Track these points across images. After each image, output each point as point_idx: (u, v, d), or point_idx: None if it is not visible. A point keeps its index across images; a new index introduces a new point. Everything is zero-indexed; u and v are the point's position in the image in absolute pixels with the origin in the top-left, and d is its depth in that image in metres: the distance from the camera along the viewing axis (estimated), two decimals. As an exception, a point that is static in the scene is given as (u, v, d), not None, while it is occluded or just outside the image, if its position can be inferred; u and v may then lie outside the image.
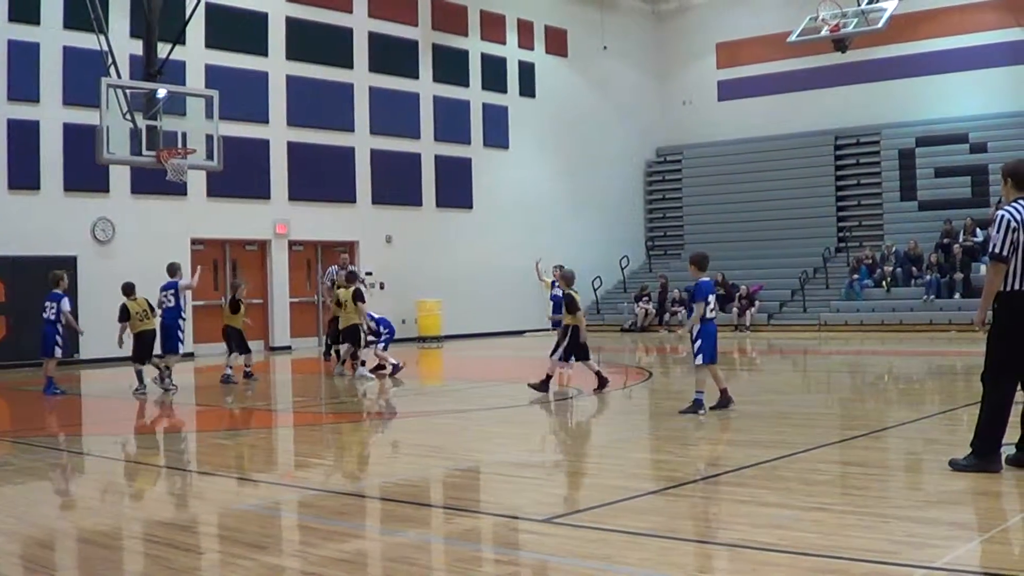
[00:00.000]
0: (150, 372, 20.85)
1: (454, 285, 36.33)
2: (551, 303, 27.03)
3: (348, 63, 35.55)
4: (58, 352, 20.77)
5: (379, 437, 15.00)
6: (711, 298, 14.70)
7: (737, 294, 37.80)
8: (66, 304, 20.62)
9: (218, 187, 30.84)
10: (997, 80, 38.76)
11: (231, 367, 22.23)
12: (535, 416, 16.67)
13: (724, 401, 14.71)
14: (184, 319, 21.90)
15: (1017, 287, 9.47)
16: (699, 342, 14.62)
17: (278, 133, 33.51)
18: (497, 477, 11.02)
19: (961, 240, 36.13)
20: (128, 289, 21.10)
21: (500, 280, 38.41)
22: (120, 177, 29.32)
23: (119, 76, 23.34)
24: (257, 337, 32.77)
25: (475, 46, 39.74)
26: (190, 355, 28.88)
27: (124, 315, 20.86)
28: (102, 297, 28.03)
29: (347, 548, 7.89)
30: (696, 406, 14.40)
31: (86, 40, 25.46)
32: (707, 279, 14.86)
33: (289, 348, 32.98)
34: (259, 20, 33.23)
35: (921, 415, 14.44)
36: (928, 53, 40.11)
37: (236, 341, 22.38)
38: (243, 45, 32.65)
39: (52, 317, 20.59)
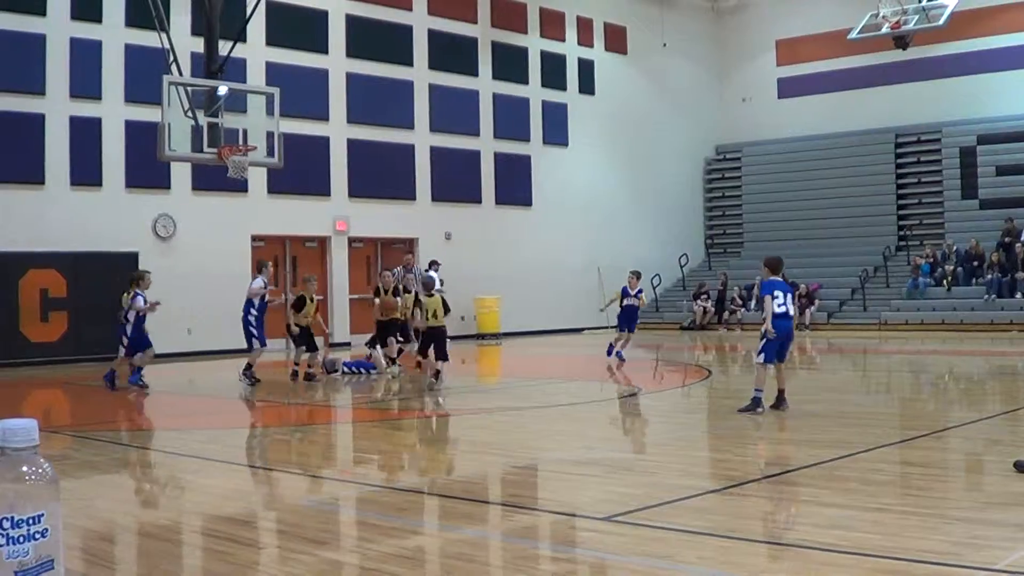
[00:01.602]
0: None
1: (513, 282, 36.34)
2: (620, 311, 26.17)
3: (408, 60, 35.65)
4: (121, 351, 20.64)
5: (438, 434, 15.03)
6: (778, 293, 14.58)
7: (796, 292, 37.55)
8: (139, 302, 20.34)
9: (278, 184, 31.00)
10: (1060, 77, 38.44)
11: (298, 364, 22.15)
12: (594, 414, 16.66)
13: (779, 402, 14.60)
14: (255, 315, 21.88)
15: None
16: (763, 341, 14.55)
17: (338, 130, 33.66)
18: (556, 474, 11.02)
19: (1022, 240, 35.83)
20: (132, 279, 21.02)
21: (559, 277, 38.48)
22: (181, 174, 29.52)
23: (180, 74, 23.47)
24: (316, 334, 32.93)
25: (534, 43, 39.74)
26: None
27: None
28: (163, 293, 28.26)
29: (406, 544, 7.90)
30: (754, 404, 14.31)
31: (148, 38, 25.70)
32: (776, 279, 14.77)
33: (348, 344, 33.08)
34: (319, 17, 33.39)
35: (982, 415, 14.31)
36: (990, 50, 39.74)
37: (304, 338, 22.17)
38: (304, 42, 32.82)
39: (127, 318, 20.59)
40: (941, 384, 20.31)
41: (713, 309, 39.90)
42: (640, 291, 26.29)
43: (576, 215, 39.82)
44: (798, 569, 6.97)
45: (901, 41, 33.38)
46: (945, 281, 36.29)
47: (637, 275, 26.50)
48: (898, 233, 41.39)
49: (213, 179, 26.90)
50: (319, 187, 33.06)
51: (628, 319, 25.85)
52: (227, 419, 17.50)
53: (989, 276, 34.79)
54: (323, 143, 33.08)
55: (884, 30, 33.12)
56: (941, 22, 32.14)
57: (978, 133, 39.77)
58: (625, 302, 25.95)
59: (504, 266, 36.62)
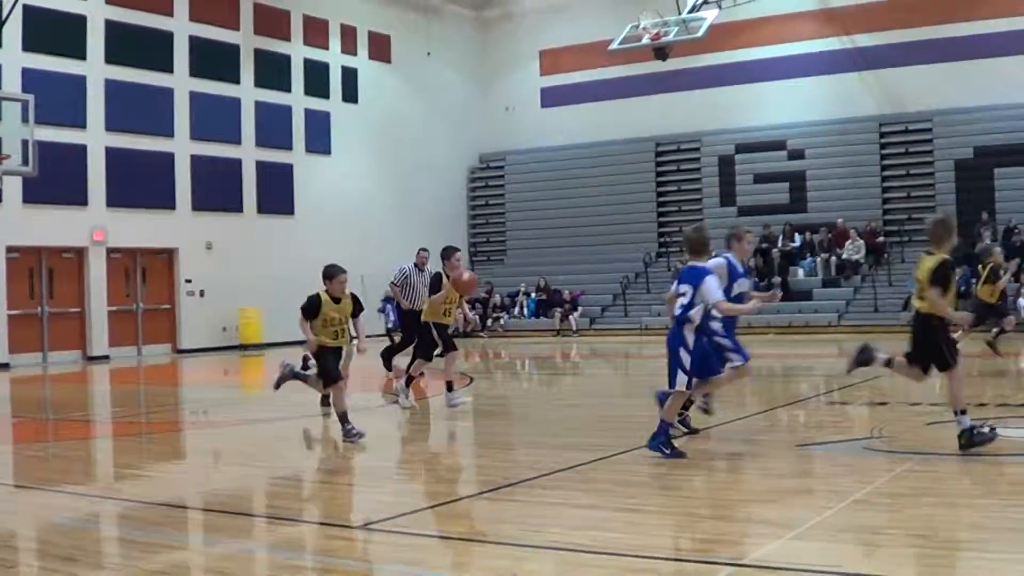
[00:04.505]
0: None
1: (276, 292, 35.81)
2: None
3: (168, 67, 34.98)
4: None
5: (198, 446, 14.85)
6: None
7: (561, 299, 38.15)
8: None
9: (34, 193, 30.02)
10: (814, 88, 39.79)
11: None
12: (355, 423, 16.62)
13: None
14: None
15: None
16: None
17: (96, 138, 32.79)
18: (314, 484, 11.03)
19: (780, 245, 37.02)
20: (331, 272, 15.07)
21: (322, 287, 38.26)
22: (-69, 183, 28.52)
23: (-71, 79, 22.81)
24: (74, 347, 32.12)
25: (298, 51, 39.48)
26: (5, 365, 28.30)
27: (313, 311, 14.89)
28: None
29: (165, 560, 7.80)
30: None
31: None
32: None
33: (107, 358, 32.38)
34: (78, 22, 32.50)
35: (739, 415, 14.72)
36: (747, 62, 40.88)
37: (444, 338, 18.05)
38: (61, 48, 31.85)
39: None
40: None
41: (476, 317, 40.14)
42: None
43: (339, 224, 39.57)
44: (551, 571, 7.11)
45: (661, 52, 34.06)
46: (703, 286, 37.17)
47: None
48: (659, 240, 42.31)
49: (-36, 188, 26.06)
50: (76, 196, 32.15)
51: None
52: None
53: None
54: (80, 151, 32.19)
55: (644, 41, 33.74)
56: (700, 34, 32.92)
57: (736, 142, 40.96)
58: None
59: (266, 276, 36.08)
